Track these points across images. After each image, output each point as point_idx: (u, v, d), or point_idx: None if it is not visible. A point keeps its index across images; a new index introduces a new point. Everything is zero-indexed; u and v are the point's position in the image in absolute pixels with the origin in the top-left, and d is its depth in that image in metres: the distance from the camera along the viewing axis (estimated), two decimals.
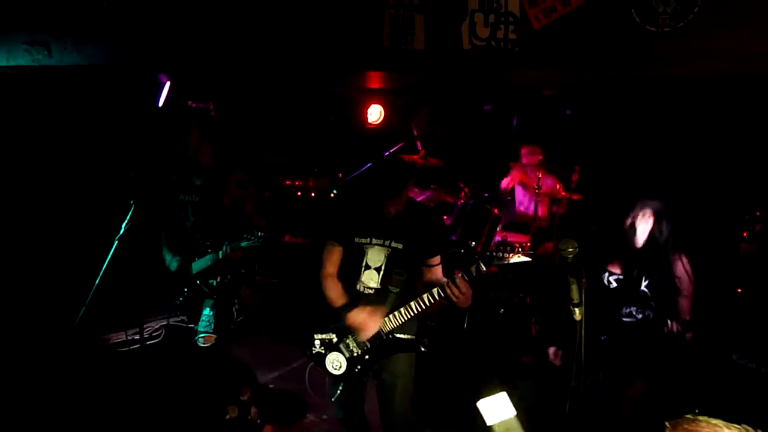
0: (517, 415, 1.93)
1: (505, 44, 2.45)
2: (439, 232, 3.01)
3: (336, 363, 2.90)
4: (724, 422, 1.07)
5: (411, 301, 2.76)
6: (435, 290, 2.71)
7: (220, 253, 3.52)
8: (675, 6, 1.99)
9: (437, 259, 2.87)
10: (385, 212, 2.86)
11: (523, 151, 5.87)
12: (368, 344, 2.86)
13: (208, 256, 3.59)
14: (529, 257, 2.69)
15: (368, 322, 2.80)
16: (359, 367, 2.88)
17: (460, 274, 2.67)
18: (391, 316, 2.79)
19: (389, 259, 2.84)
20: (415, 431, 3.16)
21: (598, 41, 2.24)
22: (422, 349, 2.94)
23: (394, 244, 2.84)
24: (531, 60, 2.40)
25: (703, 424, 1.07)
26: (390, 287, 2.81)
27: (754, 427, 1.06)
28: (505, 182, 6.11)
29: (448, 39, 2.62)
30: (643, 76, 2.75)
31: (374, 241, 2.88)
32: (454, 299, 2.67)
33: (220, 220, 3.58)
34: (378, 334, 2.84)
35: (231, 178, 3.64)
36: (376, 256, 2.87)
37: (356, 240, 2.91)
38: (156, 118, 5.38)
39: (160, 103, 5.27)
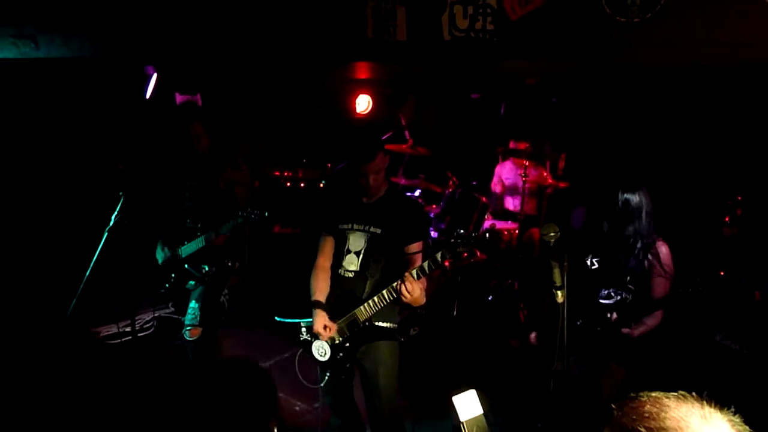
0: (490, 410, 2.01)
1: (483, 35, 2.51)
2: (418, 218, 3.01)
3: (321, 350, 2.96)
4: (663, 393, 1.12)
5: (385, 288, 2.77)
6: (390, 287, 2.71)
7: (204, 237, 3.57)
8: None
9: (416, 246, 2.88)
10: (365, 187, 2.88)
11: (511, 144, 5.92)
12: (347, 332, 2.90)
13: (198, 239, 3.64)
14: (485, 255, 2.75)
15: (322, 332, 2.88)
16: (341, 354, 2.93)
17: (413, 271, 2.65)
18: (366, 303, 2.82)
19: (369, 244, 2.90)
20: (400, 418, 3.16)
21: (571, 32, 2.30)
22: (401, 338, 2.98)
23: (372, 229, 2.90)
24: (509, 50, 2.46)
25: (645, 399, 1.11)
26: (367, 272, 2.86)
27: (699, 394, 1.11)
28: (494, 184, 6.21)
29: (429, 30, 2.67)
30: (615, 65, 2.81)
31: (355, 226, 2.94)
32: (403, 298, 2.65)
33: (214, 202, 3.65)
34: (355, 322, 2.88)
35: (226, 159, 3.73)
36: (356, 241, 2.93)
37: (340, 226, 2.98)
38: (144, 109, 5.39)
39: (148, 95, 5.27)
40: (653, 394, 1.12)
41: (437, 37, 2.61)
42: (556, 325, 2.57)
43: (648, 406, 1.08)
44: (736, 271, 4.29)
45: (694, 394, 1.11)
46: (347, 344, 2.92)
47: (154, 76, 5.11)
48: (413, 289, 2.61)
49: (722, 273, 4.40)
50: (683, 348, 3.98)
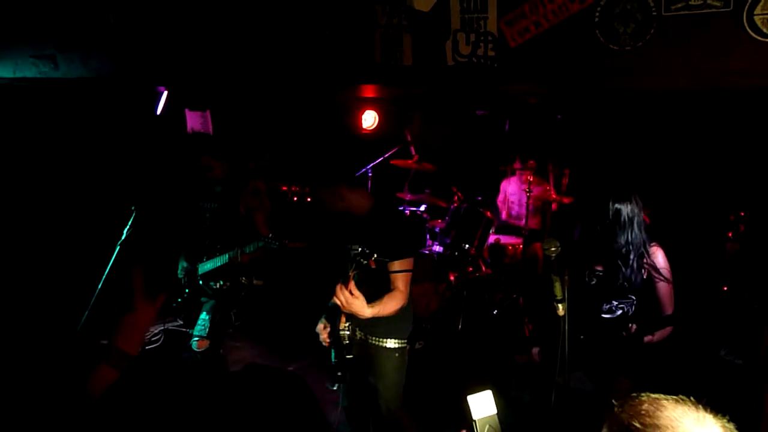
0: (500, 414, 2.04)
1: (485, 60, 2.61)
2: (400, 237, 2.92)
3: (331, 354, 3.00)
4: (663, 395, 1.18)
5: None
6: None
7: (228, 255, 3.64)
8: (634, 28, 2.17)
9: (394, 266, 2.82)
10: (353, 211, 2.93)
11: (517, 163, 6.00)
12: (348, 341, 2.87)
13: (217, 258, 3.71)
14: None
15: (322, 332, 2.91)
16: (343, 360, 2.90)
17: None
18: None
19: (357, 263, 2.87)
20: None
21: (568, 58, 2.40)
22: (396, 355, 2.98)
23: (362, 249, 2.94)
24: (509, 75, 2.56)
25: (644, 398, 1.17)
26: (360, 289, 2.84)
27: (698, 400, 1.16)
28: (500, 200, 6.29)
29: (433, 56, 2.77)
30: (608, 89, 2.91)
31: (353, 246, 2.94)
32: (340, 305, 2.67)
33: (234, 225, 3.73)
34: (353, 334, 2.88)
35: (249, 184, 3.82)
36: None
37: (349, 246, 3.02)
38: (155, 126, 5.49)
39: (158, 112, 5.37)
40: (653, 396, 1.17)
41: (441, 62, 2.71)
42: (555, 339, 2.61)
43: (646, 405, 1.14)
44: (739, 286, 4.32)
45: (692, 398, 1.16)
46: (347, 353, 2.92)
47: (165, 93, 5.22)
48: (346, 300, 2.61)
49: (725, 288, 4.44)
50: (688, 363, 4.00)
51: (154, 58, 3.46)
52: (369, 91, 4.36)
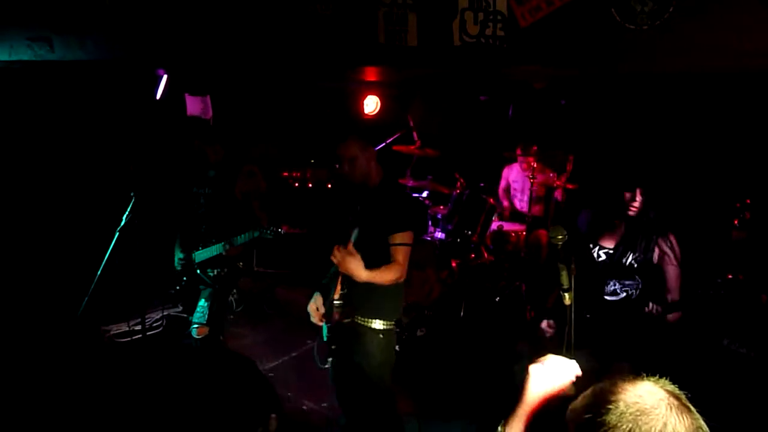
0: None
1: (494, 41, 2.53)
2: (402, 211, 2.94)
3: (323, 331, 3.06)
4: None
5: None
6: None
7: (222, 245, 3.62)
8: (652, 6, 2.08)
9: (395, 238, 2.86)
10: (345, 175, 2.98)
11: (519, 149, 5.94)
12: (338, 318, 2.94)
13: (212, 247, 3.69)
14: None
15: (313, 312, 2.99)
16: (333, 339, 2.98)
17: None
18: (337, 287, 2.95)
19: (359, 235, 2.99)
20: (384, 414, 3.14)
21: (581, 38, 2.32)
22: (380, 336, 2.98)
23: (361, 221, 3.00)
24: (519, 56, 2.48)
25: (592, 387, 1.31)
26: None
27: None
28: (502, 186, 6.24)
29: (439, 36, 2.70)
30: (623, 72, 2.84)
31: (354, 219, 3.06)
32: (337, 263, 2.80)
33: (230, 211, 3.70)
34: (343, 311, 2.93)
35: (243, 169, 3.79)
36: (354, 232, 3.03)
37: (350, 218, 3.09)
38: (154, 111, 5.44)
39: (158, 96, 5.31)
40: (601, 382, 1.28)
41: (448, 42, 2.63)
42: (562, 323, 2.59)
43: (589, 391, 1.28)
44: (744, 274, 4.29)
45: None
46: (338, 331, 2.96)
47: (165, 77, 5.15)
48: (343, 258, 2.73)
49: (730, 276, 4.41)
50: (691, 351, 3.98)
51: (153, 40, 3.40)
52: (372, 74, 4.29)
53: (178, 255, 3.87)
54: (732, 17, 2.08)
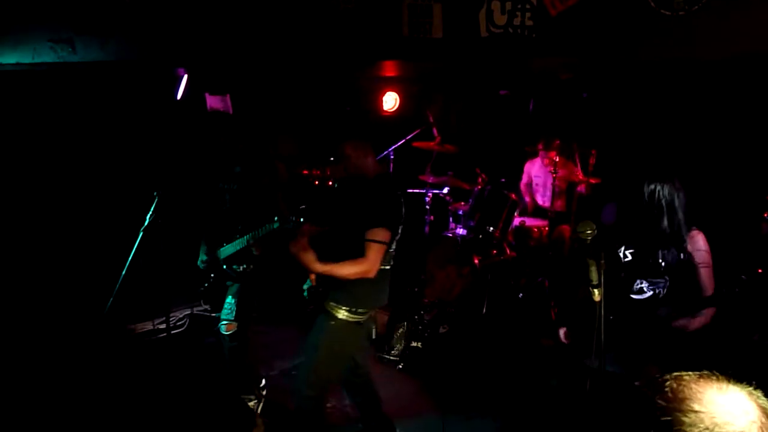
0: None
1: (522, 31, 2.47)
2: (379, 207, 2.92)
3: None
4: (685, 372, 1.19)
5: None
6: None
7: (246, 238, 3.62)
8: None
9: (368, 233, 2.83)
10: (367, 173, 3.08)
11: (541, 144, 5.86)
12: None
13: (236, 242, 3.68)
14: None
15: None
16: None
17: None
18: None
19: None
20: (312, 401, 3.13)
21: (614, 26, 2.25)
22: (333, 324, 2.99)
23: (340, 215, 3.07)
24: (548, 46, 2.41)
25: (667, 377, 1.18)
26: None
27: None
28: (524, 181, 6.17)
29: (465, 27, 2.64)
30: (660, 60, 2.75)
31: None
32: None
33: (256, 205, 3.70)
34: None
35: (266, 163, 3.80)
36: None
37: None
38: (175, 111, 5.47)
39: (179, 96, 5.34)
40: (675, 373, 1.17)
41: (474, 33, 2.58)
42: (587, 322, 2.54)
43: (669, 381, 1.15)
44: None
45: (714, 371, 1.16)
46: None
47: (185, 77, 5.18)
48: (296, 254, 2.80)
49: (760, 270, 4.30)
50: (721, 349, 3.89)
51: (172, 39, 3.40)
52: (395, 68, 4.24)
53: (202, 256, 3.88)
54: None
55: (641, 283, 2.99)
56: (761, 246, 4.68)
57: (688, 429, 1.06)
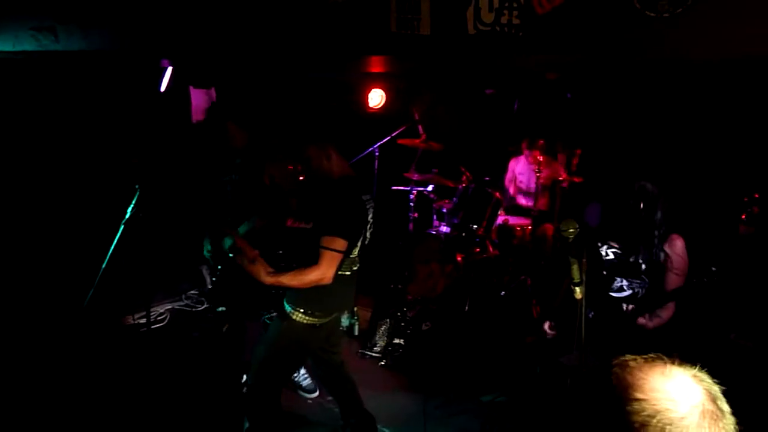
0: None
1: (509, 29, 2.48)
2: (338, 214, 2.83)
3: None
4: (632, 356, 1.21)
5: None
6: None
7: (247, 225, 3.61)
8: None
9: (323, 240, 2.77)
10: (332, 174, 3.00)
11: (525, 144, 5.90)
12: None
13: (240, 228, 3.67)
14: None
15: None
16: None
17: None
18: None
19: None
20: (264, 398, 3.12)
21: (600, 26, 2.27)
22: (285, 324, 2.97)
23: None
24: (535, 45, 2.42)
25: (615, 362, 1.21)
26: None
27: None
28: (508, 180, 6.21)
29: (453, 24, 2.64)
30: (644, 60, 2.79)
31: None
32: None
33: (259, 197, 3.67)
34: None
35: (267, 154, 3.78)
36: None
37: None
38: (159, 103, 5.41)
39: (162, 89, 5.28)
40: (621, 359, 1.20)
41: (462, 30, 2.58)
42: (569, 319, 2.58)
43: (614, 368, 1.18)
44: (752, 269, 4.27)
45: (661, 355, 1.18)
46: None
47: (169, 69, 5.12)
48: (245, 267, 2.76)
49: (738, 272, 4.38)
50: (698, 347, 3.96)
51: (156, 30, 3.36)
52: (382, 64, 4.23)
53: (207, 246, 3.84)
54: (756, 2, 2.01)
55: (621, 282, 3.04)
56: (738, 246, 4.77)
57: (631, 417, 1.07)
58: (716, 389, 1.12)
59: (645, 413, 1.07)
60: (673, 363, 1.15)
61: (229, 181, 3.76)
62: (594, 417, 1.17)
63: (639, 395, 1.10)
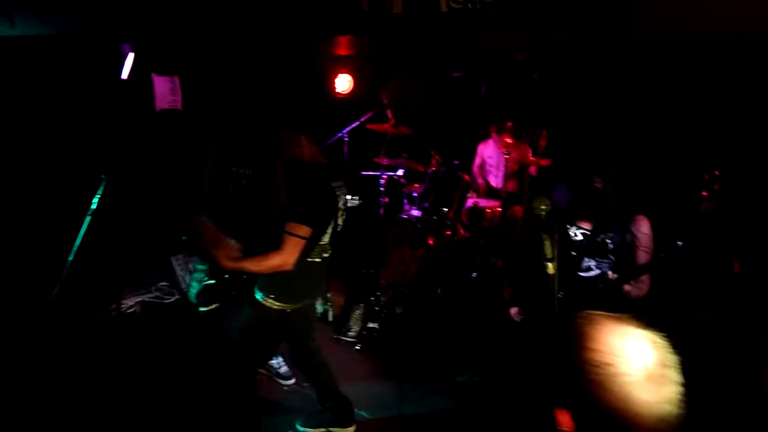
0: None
1: (481, 6, 2.49)
2: (306, 201, 2.84)
3: None
4: (599, 312, 1.25)
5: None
6: None
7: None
8: None
9: (288, 226, 2.77)
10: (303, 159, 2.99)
11: (493, 128, 5.94)
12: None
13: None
14: None
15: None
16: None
17: None
18: None
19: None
20: (236, 383, 3.18)
21: (571, 4, 2.28)
22: (255, 308, 3.00)
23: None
24: (508, 22, 2.43)
25: (582, 315, 1.25)
26: None
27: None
28: (476, 163, 6.25)
29: (426, 2, 2.63)
30: (620, 39, 2.81)
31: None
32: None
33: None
34: None
35: (205, 149, 3.70)
36: None
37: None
38: (121, 90, 5.26)
39: (124, 76, 5.14)
40: (589, 312, 1.25)
41: (434, 8, 2.56)
42: (540, 300, 2.63)
43: (579, 319, 1.23)
44: (713, 245, 4.40)
45: (630, 315, 1.23)
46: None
47: (131, 55, 4.98)
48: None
49: (699, 248, 4.51)
50: (662, 321, 4.08)
51: (114, 11, 3.25)
52: (351, 46, 4.20)
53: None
54: None
55: (589, 262, 3.12)
56: (700, 222, 4.90)
57: (580, 365, 1.13)
58: (671, 358, 1.15)
59: (592, 362, 1.12)
60: (637, 325, 1.20)
61: (243, 174, 3.71)
62: (553, 364, 1.23)
63: (593, 345, 1.15)
